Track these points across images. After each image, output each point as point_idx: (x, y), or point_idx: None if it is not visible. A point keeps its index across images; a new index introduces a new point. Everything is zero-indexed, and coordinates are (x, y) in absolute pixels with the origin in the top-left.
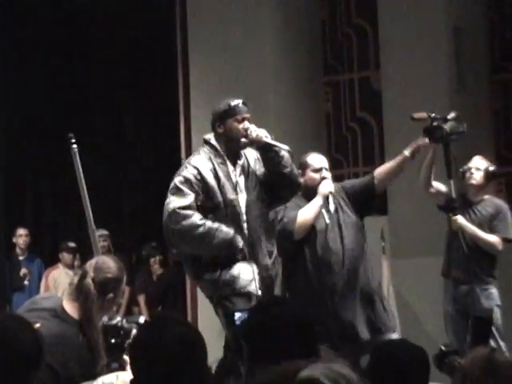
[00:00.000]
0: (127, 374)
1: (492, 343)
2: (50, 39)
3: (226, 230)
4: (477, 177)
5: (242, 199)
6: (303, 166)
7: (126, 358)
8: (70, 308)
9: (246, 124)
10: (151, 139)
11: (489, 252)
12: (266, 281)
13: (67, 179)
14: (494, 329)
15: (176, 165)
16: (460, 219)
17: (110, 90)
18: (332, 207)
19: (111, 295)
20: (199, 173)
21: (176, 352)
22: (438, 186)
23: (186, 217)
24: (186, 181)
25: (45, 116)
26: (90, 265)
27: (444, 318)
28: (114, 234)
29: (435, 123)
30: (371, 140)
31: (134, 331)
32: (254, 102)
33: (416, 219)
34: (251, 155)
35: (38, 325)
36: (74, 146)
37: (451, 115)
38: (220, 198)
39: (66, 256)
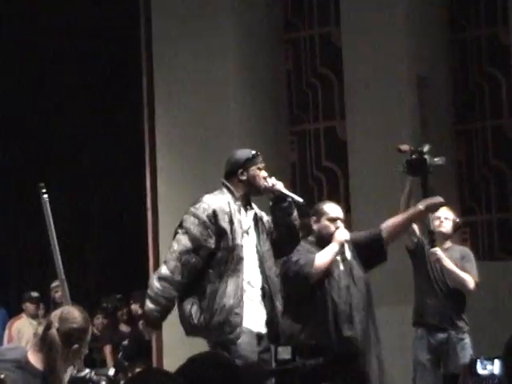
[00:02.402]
0: None
1: None
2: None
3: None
4: (446, 226)
5: (249, 243)
6: (319, 214)
7: None
8: (35, 359)
9: (265, 173)
10: (116, 188)
11: (460, 297)
12: (274, 324)
13: (33, 228)
14: None
15: (141, 213)
16: (439, 252)
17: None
18: (349, 255)
19: (76, 346)
20: (215, 216)
21: None
22: (414, 226)
23: (167, 279)
24: (200, 223)
25: (11, 165)
26: (55, 315)
27: (414, 367)
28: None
29: (415, 156)
30: (337, 189)
31: (103, 383)
32: (219, 149)
33: (390, 267)
34: (260, 211)
35: (1, 376)
36: (45, 195)
37: (426, 148)
38: (230, 242)
39: (29, 306)
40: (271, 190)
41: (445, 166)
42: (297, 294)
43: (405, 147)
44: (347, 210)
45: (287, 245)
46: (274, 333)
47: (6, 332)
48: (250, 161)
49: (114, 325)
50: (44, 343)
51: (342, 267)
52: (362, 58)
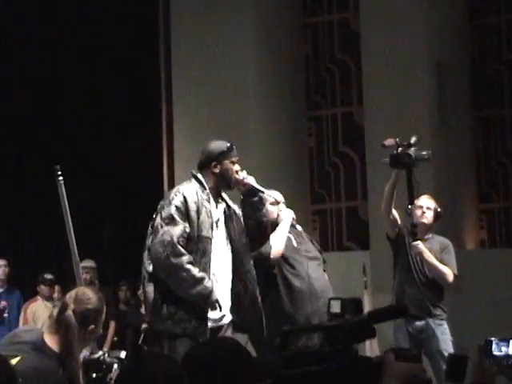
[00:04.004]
0: None
1: None
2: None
3: (206, 285)
4: (428, 216)
5: (218, 236)
6: None
7: None
8: (51, 341)
9: (238, 166)
10: (136, 170)
11: (438, 287)
12: (257, 315)
13: (49, 209)
14: None
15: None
16: (420, 245)
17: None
18: (300, 227)
19: (92, 326)
20: (185, 202)
21: None
22: (396, 215)
23: (178, 255)
24: (177, 209)
25: (28, 146)
26: (70, 296)
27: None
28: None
29: (401, 150)
30: (353, 175)
31: (116, 366)
32: (237, 136)
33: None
34: (232, 203)
35: (17, 358)
36: (60, 177)
37: (413, 140)
38: (196, 233)
39: (43, 288)
40: (242, 184)
41: (430, 160)
42: (262, 276)
43: (389, 142)
44: (364, 196)
45: (256, 239)
46: (258, 324)
47: (22, 314)
48: (225, 154)
49: (136, 308)
50: (60, 325)
51: (295, 245)
52: (381, 44)
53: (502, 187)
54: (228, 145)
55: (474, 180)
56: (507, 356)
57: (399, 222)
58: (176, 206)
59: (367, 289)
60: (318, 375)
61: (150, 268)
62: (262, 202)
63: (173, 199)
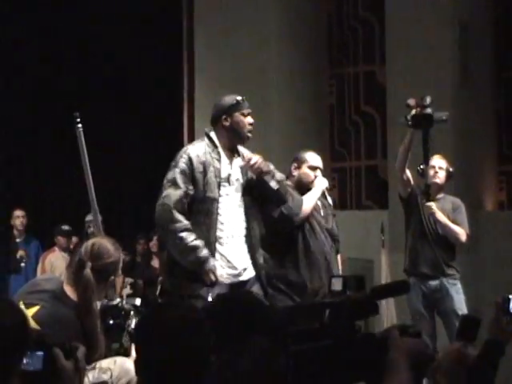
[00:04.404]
0: (125, 360)
1: None
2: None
3: (198, 255)
4: (441, 176)
5: (232, 192)
6: (300, 161)
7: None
8: (70, 291)
9: (251, 119)
10: (157, 121)
11: (451, 247)
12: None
13: (68, 160)
14: None
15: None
16: (434, 206)
17: (113, 74)
18: (330, 201)
19: (112, 278)
20: (191, 163)
21: (181, 335)
22: (409, 175)
23: (173, 221)
24: (181, 171)
25: (46, 96)
26: (86, 252)
27: (412, 316)
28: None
29: (419, 110)
30: (374, 133)
31: (132, 313)
32: (258, 90)
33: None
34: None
35: (37, 307)
36: (79, 125)
37: (428, 100)
38: (201, 194)
39: (60, 239)
40: (252, 170)
41: (447, 121)
42: (277, 234)
43: (412, 101)
44: (384, 155)
45: (268, 207)
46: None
47: (40, 265)
48: (235, 106)
49: (147, 260)
50: (78, 282)
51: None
52: (404, 2)
53: None
54: (238, 98)
55: (495, 142)
56: None
57: (412, 182)
58: (180, 169)
59: (385, 248)
60: (323, 351)
61: None
62: (272, 176)
63: (178, 161)
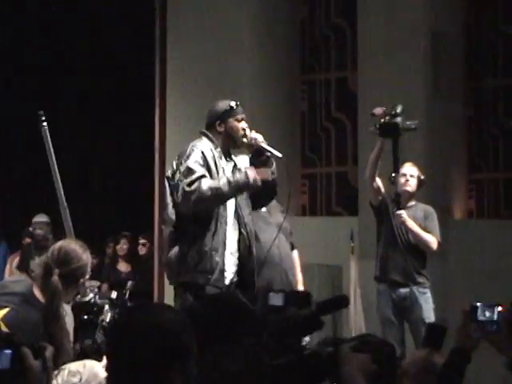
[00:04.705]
0: (95, 363)
1: None
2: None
3: (235, 179)
4: (412, 184)
5: None
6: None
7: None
8: (40, 293)
9: (245, 124)
10: (125, 127)
11: (422, 255)
12: (250, 267)
13: (36, 161)
14: None
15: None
16: (404, 215)
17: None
18: None
19: (81, 280)
20: (204, 156)
21: (152, 339)
22: (380, 183)
23: (193, 192)
24: (196, 161)
25: (13, 95)
26: (53, 257)
27: (382, 323)
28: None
29: (388, 118)
30: (345, 140)
31: (107, 307)
32: (229, 96)
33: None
34: (241, 161)
35: (6, 309)
36: (45, 124)
37: (399, 109)
38: None
39: (28, 241)
40: (250, 144)
41: (417, 129)
42: None
43: (378, 111)
44: (354, 162)
45: (264, 196)
46: (250, 280)
47: (7, 267)
48: (229, 112)
49: (113, 264)
50: (46, 288)
51: None
52: (377, 9)
53: (492, 158)
54: (232, 103)
55: (465, 150)
56: (491, 321)
57: (383, 190)
58: (195, 160)
59: (354, 254)
60: (274, 368)
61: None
62: (270, 160)
63: (190, 154)
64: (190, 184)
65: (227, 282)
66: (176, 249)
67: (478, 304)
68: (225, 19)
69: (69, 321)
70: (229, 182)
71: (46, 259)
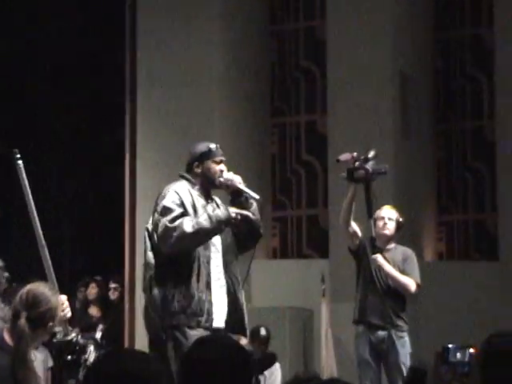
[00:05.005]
0: None
1: None
2: None
3: (215, 214)
4: (390, 227)
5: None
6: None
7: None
8: (9, 337)
9: (223, 167)
10: (95, 175)
11: (401, 298)
12: (238, 314)
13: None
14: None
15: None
16: (379, 258)
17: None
18: None
19: (50, 324)
20: (180, 196)
21: None
22: (356, 228)
23: (176, 229)
24: (173, 201)
25: None
26: (21, 301)
27: (358, 365)
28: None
29: (358, 164)
30: (315, 183)
31: (92, 348)
32: (199, 139)
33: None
34: (221, 203)
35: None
36: (19, 161)
37: (371, 154)
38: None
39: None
40: (226, 185)
41: (387, 173)
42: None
43: (344, 157)
44: (325, 205)
45: (248, 239)
46: (239, 324)
47: None
48: (207, 154)
49: (84, 308)
50: (13, 332)
51: None
52: (346, 54)
53: (461, 200)
54: (211, 145)
55: (434, 193)
56: (462, 363)
57: (359, 233)
58: (171, 200)
59: (325, 297)
60: None
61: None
62: (248, 201)
63: (165, 195)
64: (172, 220)
65: (216, 323)
66: (156, 292)
67: (450, 345)
68: (195, 65)
69: (39, 365)
70: (209, 216)
71: (14, 303)
